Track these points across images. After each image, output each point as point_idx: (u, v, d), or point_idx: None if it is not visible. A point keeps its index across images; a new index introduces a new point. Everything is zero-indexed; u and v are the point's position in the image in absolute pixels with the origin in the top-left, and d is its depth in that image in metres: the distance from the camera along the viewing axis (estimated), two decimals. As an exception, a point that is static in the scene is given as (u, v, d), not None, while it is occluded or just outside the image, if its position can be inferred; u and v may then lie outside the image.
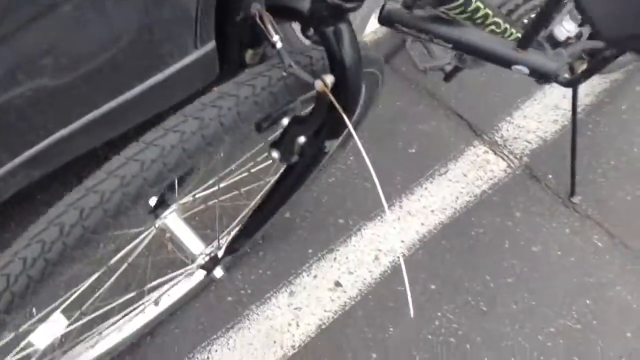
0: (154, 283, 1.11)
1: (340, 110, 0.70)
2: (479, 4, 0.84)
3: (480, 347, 1.38)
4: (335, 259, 1.50)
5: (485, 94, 1.76)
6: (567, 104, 1.72)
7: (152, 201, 1.07)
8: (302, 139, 0.81)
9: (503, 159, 1.65)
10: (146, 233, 1.05)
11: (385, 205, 0.80)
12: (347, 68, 0.69)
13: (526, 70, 0.87)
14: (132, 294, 1.11)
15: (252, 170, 1.16)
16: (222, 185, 1.07)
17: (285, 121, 0.79)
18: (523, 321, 1.42)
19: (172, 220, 1.06)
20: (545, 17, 0.81)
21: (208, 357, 1.33)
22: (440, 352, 1.38)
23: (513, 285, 1.48)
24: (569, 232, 1.56)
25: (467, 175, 1.63)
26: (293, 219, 1.54)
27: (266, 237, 1.50)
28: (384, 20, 0.83)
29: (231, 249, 1.06)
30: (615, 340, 1.42)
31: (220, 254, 1.08)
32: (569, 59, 1.31)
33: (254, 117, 0.72)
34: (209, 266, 1.09)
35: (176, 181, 1.05)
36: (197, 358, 1.33)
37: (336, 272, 1.48)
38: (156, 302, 1.36)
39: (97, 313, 1.06)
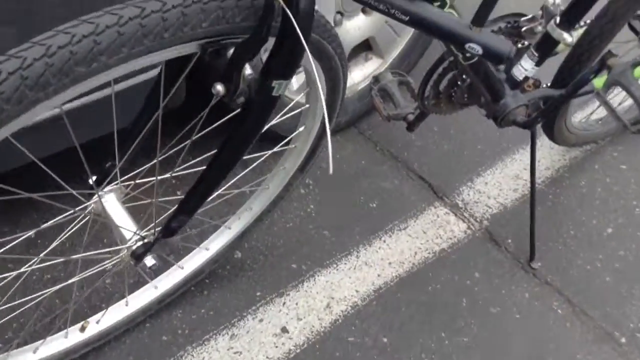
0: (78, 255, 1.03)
1: (291, 17, 0.69)
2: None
3: (433, 403, 1.28)
4: (284, 303, 1.41)
5: (448, 160, 1.77)
6: (528, 175, 1.73)
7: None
8: (248, 70, 0.78)
9: (463, 221, 1.64)
10: (80, 213, 0.99)
11: (328, 127, 0.76)
12: None
13: (479, 50, 0.89)
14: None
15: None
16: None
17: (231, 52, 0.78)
18: (479, 381, 1.33)
19: (109, 200, 1.00)
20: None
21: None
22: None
23: (469, 344, 1.40)
24: (528, 297, 1.51)
25: (426, 232, 1.60)
26: (244, 260, 1.47)
27: (212, 276, 1.42)
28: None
29: (168, 229, 1.00)
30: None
31: (154, 237, 1.01)
32: (525, 100, 1.35)
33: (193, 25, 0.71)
34: (139, 252, 1.01)
35: (117, 161, 1.01)
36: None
37: (284, 317, 1.39)
38: (82, 329, 1.25)
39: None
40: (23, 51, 0.65)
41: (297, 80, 1.59)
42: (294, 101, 1.24)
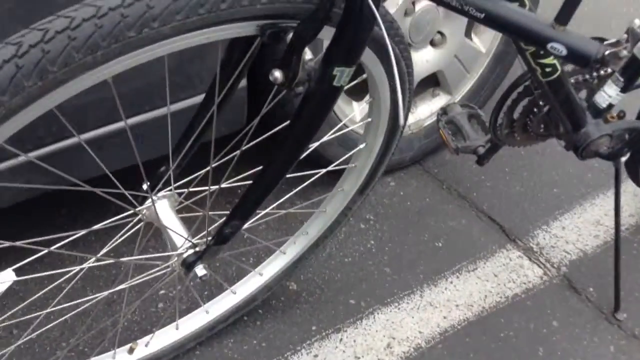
0: (129, 258, 0.98)
1: None
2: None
3: None
4: (341, 340, 1.31)
5: (520, 202, 1.66)
6: (610, 221, 1.60)
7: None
8: (309, 55, 0.73)
9: (539, 265, 1.50)
10: (133, 217, 0.94)
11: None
12: None
13: (564, 51, 0.81)
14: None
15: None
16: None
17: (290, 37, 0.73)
18: None
19: (162, 206, 0.95)
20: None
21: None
22: None
23: (547, 399, 1.25)
24: (613, 350, 1.35)
25: (497, 276, 1.47)
26: (299, 292, 1.39)
27: (266, 306, 1.34)
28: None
29: (221, 236, 0.93)
30: None
31: (205, 245, 0.95)
32: (609, 130, 1.25)
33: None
34: (190, 260, 0.95)
35: (171, 170, 0.98)
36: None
37: (340, 354, 1.29)
38: (130, 350, 1.19)
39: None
40: (73, 11, 0.63)
41: (360, 112, 1.54)
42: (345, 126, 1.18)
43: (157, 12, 0.64)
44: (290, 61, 0.74)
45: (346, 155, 1.19)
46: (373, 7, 0.64)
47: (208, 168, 0.95)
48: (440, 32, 1.61)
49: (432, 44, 1.62)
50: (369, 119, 1.09)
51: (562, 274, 1.49)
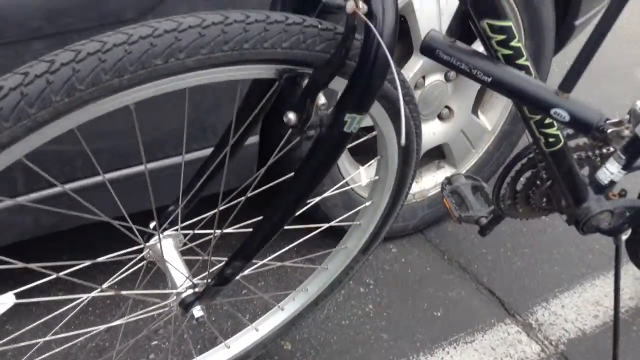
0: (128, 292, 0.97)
1: (373, 28, 0.67)
2: (520, 45, 0.85)
3: None
4: (333, 403, 1.28)
5: (520, 277, 1.66)
6: (609, 303, 1.59)
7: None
8: (322, 99, 0.76)
9: (537, 342, 1.48)
10: (137, 253, 0.95)
11: (404, 135, 0.70)
12: (384, 8, 0.69)
13: (566, 117, 0.84)
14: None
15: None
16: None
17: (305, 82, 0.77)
18: None
19: (167, 245, 0.96)
20: (587, 55, 0.81)
21: None
22: None
23: None
24: None
25: (495, 349, 1.45)
26: (294, 353, 1.37)
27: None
28: (425, 47, 0.85)
29: (222, 276, 0.93)
30: None
31: (205, 285, 0.95)
32: (610, 207, 1.27)
33: (272, 42, 0.72)
34: (189, 301, 0.94)
35: (179, 209, 0.99)
36: None
37: (332, 418, 1.25)
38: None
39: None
40: (106, 37, 0.67)
41: (367, 176, 1.57)
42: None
43: (184, 44, 0.68)
44: (304, 104, 0.77)
45: (350, 212, 1.21)
46: (387, 52, 0.68)
47: (215, 211, 0.97)
48: (448, 107, 1.67)
49: (440, 117, 1.67)
50: (376, 177, 1.11)
51: (560, 352, 1.47)
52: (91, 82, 0.64)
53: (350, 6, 0.67)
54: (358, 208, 1.17)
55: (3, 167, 0.68)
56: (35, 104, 0.62)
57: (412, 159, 1.08)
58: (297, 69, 0.77)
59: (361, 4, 0.67)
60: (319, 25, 0.75)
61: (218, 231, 0.99)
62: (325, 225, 1.17)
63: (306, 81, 0.77)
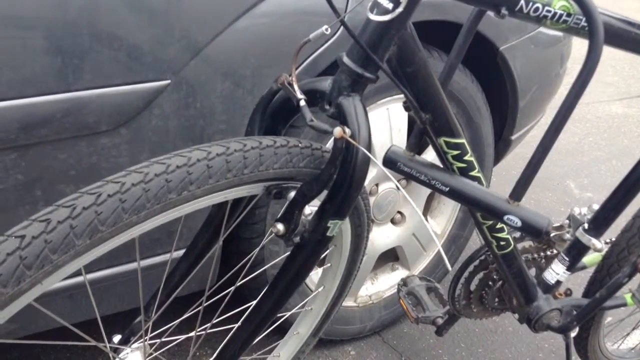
0: None
1: (360, 147, 0.74)
2: (472, 159, 0.94)
3: None
4: None
5: (477, 378, 1.69)
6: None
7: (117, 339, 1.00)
8: (308, 210, 0.81)
9: None
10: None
11: (448, 264, 0.74)
12: (360, 131, 0.77)
13: (518, 222, 0.92)
14: None
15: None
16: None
17: (292, 194, 0.82)
18: None
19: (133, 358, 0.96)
20: (533, 168, 0.90)
21: None
22: None
23: None
24: None
25: None
26: None
27: None
28: (387, 161, 0.93)
29: None
30: None
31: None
32: (559, 305, 1.34)
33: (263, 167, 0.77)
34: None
35: (150, 322, 1.00)
36: None
37: None
38: None
39: None
40: (122, 177, 0.70)
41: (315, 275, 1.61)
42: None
43: (195, 177, 0.73)
44: (292, 216, 0.83)
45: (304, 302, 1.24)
46: (378, 162, 0.76)
47: (181, 319, 0.98)
48: (400, 212, 1.76)
49: (393, 222, 1.75)
50: (329, 264, 1.16)
51: None
52: (113, 222, 0.67)
53: (337, 132, 0.76)
54: (312, 295, 1.21)
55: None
56: (59, 250, 0.64)
57: (363, 244, 1.14)
58: (283, 183, 0.84)
59: (347, 130, 0.76)
60: (299, 145, 0.83)
61: (183, 336, 1.00)
62: (287, 314, 1.19)
63: (292, 194, 0.83)
